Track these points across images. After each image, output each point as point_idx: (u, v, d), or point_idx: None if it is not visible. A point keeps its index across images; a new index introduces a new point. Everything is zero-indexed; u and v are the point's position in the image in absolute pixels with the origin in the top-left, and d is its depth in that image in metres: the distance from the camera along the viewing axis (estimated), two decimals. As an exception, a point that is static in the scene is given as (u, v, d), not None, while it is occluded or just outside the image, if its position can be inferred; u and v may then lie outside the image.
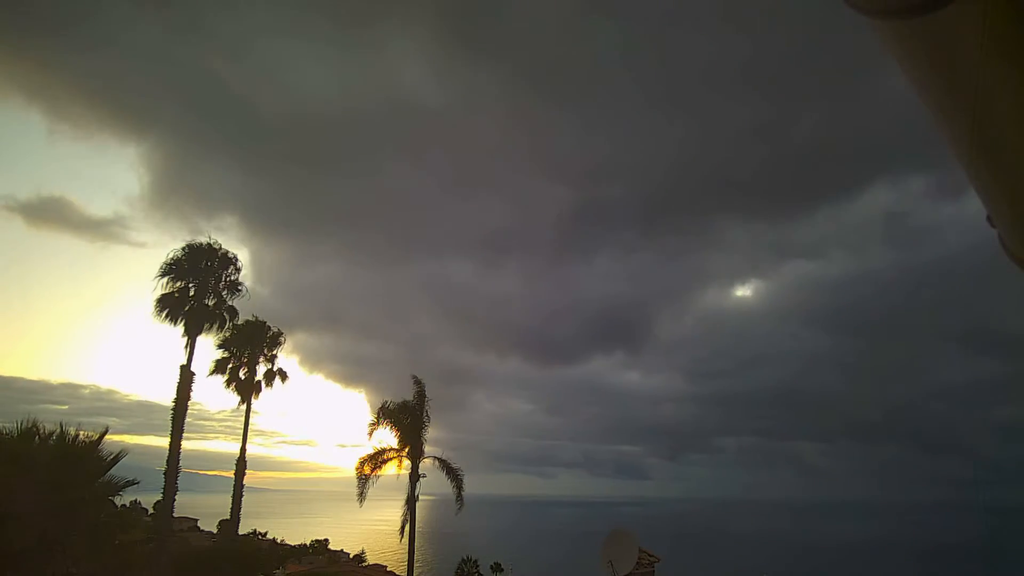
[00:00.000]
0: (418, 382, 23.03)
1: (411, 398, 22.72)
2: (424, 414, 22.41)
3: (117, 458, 13.69)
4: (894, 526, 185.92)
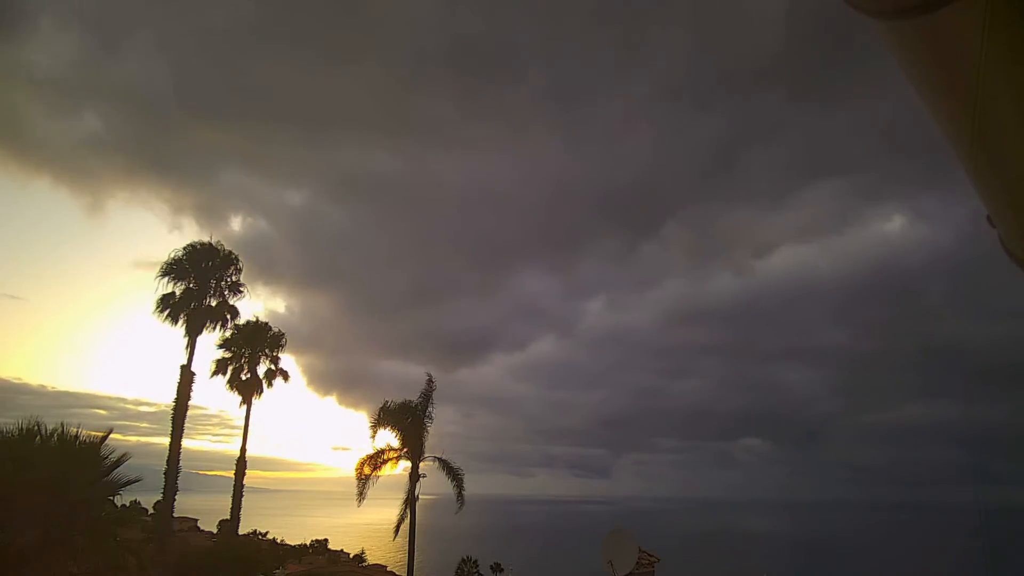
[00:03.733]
0: (430, 380, 22.60)
1: (406, 399, 22.61)
2: (427, 413, 22.26)
3: (119, 462, 13.69)
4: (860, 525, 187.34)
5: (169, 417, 22.04)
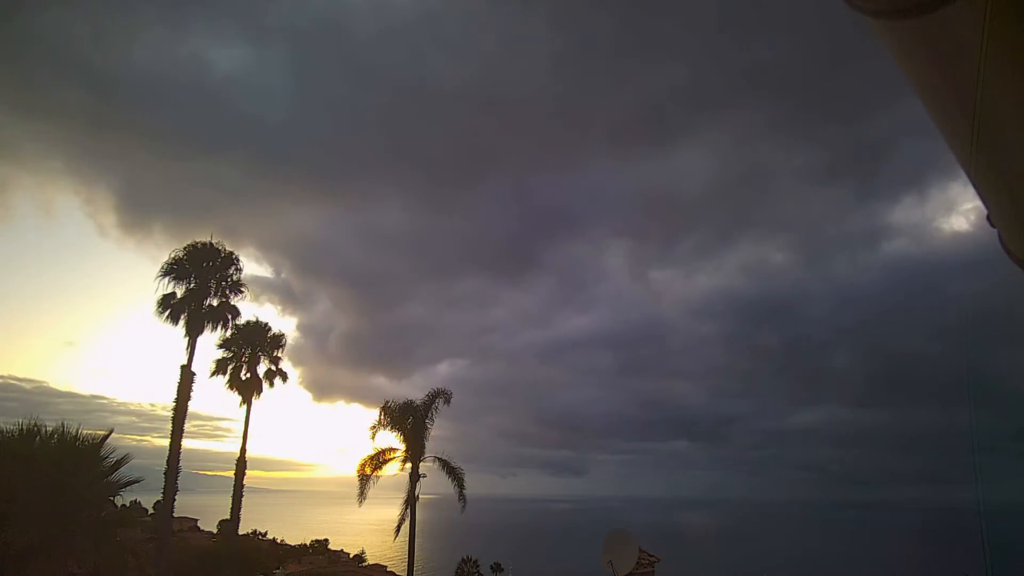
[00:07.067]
0: (441, 393, 22.96)
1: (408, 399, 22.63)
2: (430, 415, 22.28)
3: (119, 463, 13.70)
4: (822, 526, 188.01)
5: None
